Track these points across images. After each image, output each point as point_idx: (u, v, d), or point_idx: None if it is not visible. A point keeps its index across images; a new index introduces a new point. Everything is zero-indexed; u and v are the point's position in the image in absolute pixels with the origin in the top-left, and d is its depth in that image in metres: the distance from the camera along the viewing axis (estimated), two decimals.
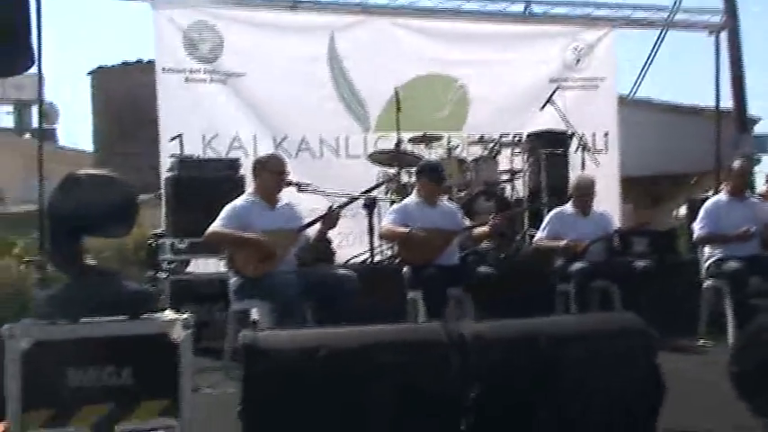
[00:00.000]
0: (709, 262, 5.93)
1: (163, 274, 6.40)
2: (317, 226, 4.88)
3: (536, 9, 8.98)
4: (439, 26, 8.74)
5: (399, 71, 8.29)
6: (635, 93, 11.30)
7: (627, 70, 9.78)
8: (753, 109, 10.08)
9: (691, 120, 11.63)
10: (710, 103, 9.67)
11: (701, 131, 10.16)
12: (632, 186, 11.28)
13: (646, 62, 9.93)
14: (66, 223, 2.39)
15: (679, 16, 9.48)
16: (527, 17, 8.96)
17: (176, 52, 7.88)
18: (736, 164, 6.19)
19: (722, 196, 6.13)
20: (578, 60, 9.08)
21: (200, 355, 4.84)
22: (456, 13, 8.71)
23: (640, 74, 10.44)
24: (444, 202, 5.81)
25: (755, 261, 5.68)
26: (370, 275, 5.46)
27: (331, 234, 5.95)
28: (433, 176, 5.59)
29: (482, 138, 7.60)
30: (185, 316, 2.34)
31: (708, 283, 5.92)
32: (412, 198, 5.70)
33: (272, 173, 4.84)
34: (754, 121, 11.49)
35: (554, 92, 7.47)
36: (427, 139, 7.42)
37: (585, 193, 6.06)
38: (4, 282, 7.44)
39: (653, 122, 11.50)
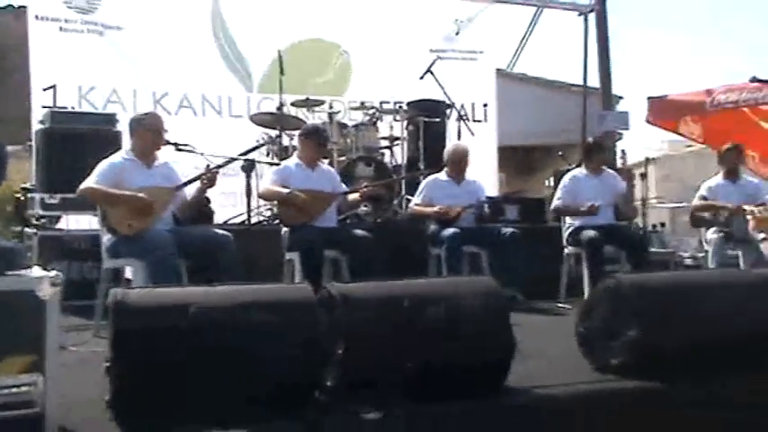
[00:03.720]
0: (569, 230, 6.32)
1: (31, 230, 6.24)
2: (196, 185, 4.87)
3: None
4: None
5: (283, 33, 8.29)
6: (513, 66, 11.76)
7: (505, 45, 10.14)
8: (617, 88, 10.72)
9: (562, 95, 12.20)
10: (580, 80, 10.24)
11: (571, 106, 10.70)
12: (509, 156, 11.75)
13: (523, 38, 10.40)
14: None
15: None
16: None
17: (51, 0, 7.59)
18: (594, 140, 6.61)
19: (581, 170, 6.53)
20: (458, 32, 9.35)
21: (70, 314, 4.80)
22: None
23: (518, 48, 10.88)
24: (324, 165, 5.91)
25: (610, 230, 6.10)
26: (248, 236, 5.50)
27: (211, 194, 5.95)
28: (315, 139, 5.68)
29: (363, 104, 7.72)
30: (54, 273, 2.35)
31: (568, 249, 6.31)
32: (293, 160, 5.77)
33: (148, 131, 4.80)
34: (619, 99, 12.21)
35: (432, 63, 7.65)
36: (309, 104, 7.48)
37: (459, 161, 6.31)
38: None
39: (528, 96, 11.98)
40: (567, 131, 10.83)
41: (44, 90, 7.22)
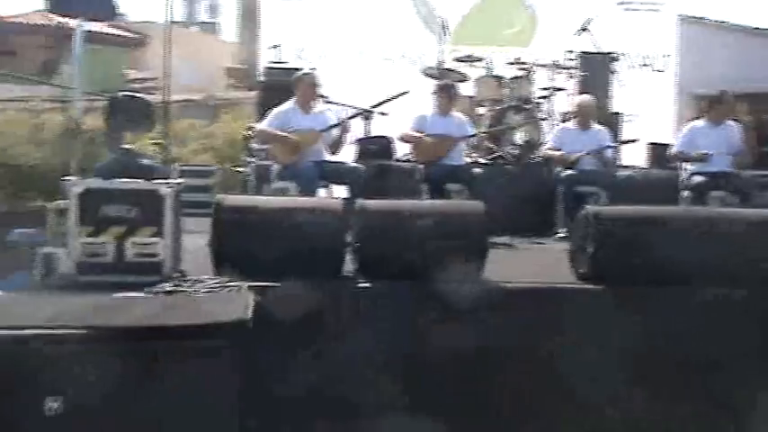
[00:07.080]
0: (683, 176, 6.92)
1: (251, 159, 8.16)
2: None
3: None
4: None
5: None
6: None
7: None
8: None
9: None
10: None
11: None
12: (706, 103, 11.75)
13: None
14: (110, 121, 4.07)
15: None
16: None
17: None
18: (719, 93, 7.02)
19: (700, 120, 7.00)
20: None
21: None
22: None
23: None
24: (455, 113, 7.06)
25: (721, 177, 6.63)
26: (389, 171, 6.95)
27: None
28: (446, 93, 6.91)
29: (517, 59, 8.53)
30: (174, 181, 3.97)
31: (683, 193, 6.92)
32: (429, 109, 7.03)
33: (306, 86, 6.35)
34: None
35: (588, 21, 8.30)
36: (471, 59, 8.58)
37: (582, 112, 7.15)
38: None
39: (728, 43, 11.79)
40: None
41: (269, 48, 9.15)
